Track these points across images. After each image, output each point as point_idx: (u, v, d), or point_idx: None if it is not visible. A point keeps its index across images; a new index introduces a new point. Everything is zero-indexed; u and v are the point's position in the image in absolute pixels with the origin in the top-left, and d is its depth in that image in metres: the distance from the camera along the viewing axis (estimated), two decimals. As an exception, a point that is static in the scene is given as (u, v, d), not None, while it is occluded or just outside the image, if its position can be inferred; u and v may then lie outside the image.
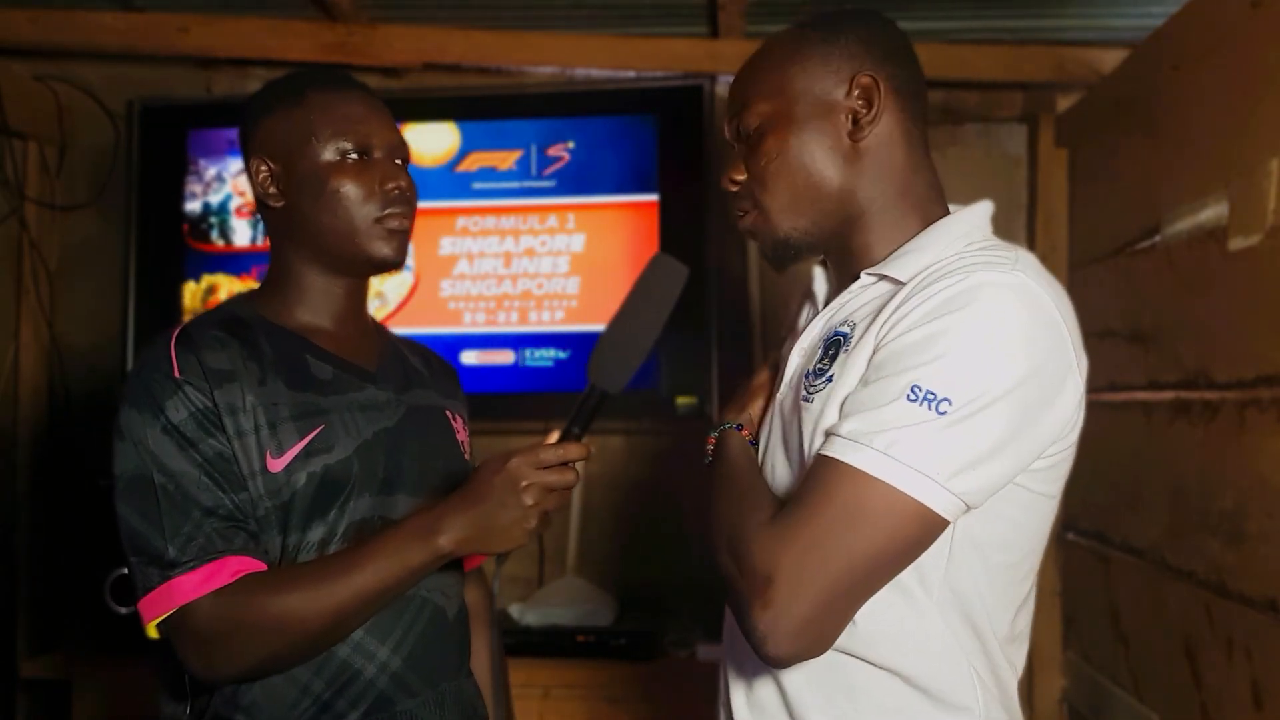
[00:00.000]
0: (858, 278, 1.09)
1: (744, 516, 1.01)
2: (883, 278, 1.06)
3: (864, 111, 1.06)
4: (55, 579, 2.61)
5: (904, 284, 1.02)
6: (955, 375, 0.93)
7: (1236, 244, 1.61)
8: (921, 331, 0.95)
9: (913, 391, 0.92)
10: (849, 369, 1.01)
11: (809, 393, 1.05)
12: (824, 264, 1.22)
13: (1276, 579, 1.48)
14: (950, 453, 0.92)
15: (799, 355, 1.13)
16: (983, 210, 1.10)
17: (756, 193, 1.10)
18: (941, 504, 0.93)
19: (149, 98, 2.64)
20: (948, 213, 1.11)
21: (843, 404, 0.99)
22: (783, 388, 1.14)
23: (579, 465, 1.14)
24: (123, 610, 2.26)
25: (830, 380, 1.03)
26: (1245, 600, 1.56)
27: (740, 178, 1.12)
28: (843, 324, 1.07)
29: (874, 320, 1.02)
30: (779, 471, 1.12)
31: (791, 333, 1.24)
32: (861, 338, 1.02)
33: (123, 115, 2.66)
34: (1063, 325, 0.98)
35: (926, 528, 0.94)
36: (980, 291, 0.95)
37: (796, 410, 1.07)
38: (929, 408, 0.92)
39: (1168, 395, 1.85)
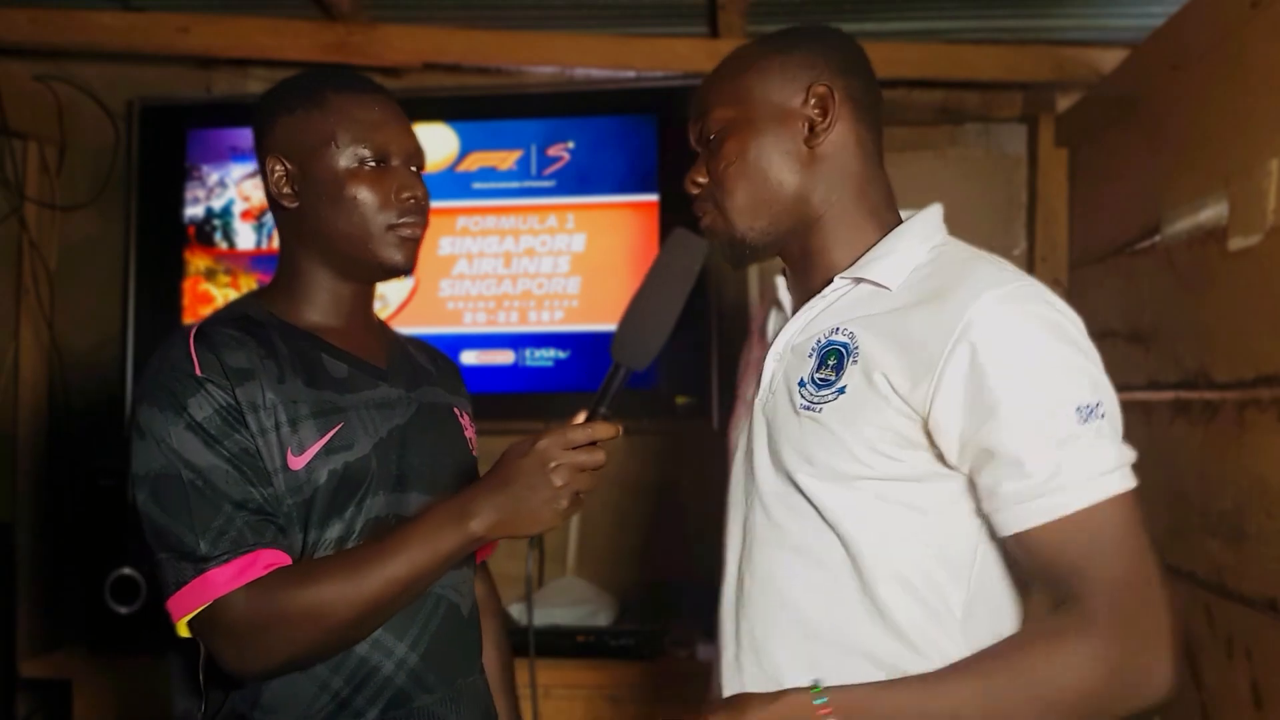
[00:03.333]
0: (829, 282, 1.12)
1: (1027, 674, 0.98)
2: (861, 280, 1.10)
3: (819, 119, 1.11)
4: (55, 579, 2.61)
5: (889, 289, 1.07)
6: (1083, 382, 1.00)
7: (1236, 244, 1.61)
8: (1021, 372, 1.00)
9: (1078, 413, 0.98)
10: (875, 386, 1.03)
11: (814, 403, 1.07)
12: (785, 272, 1.24)
13: (1276, 579, 1.48)
14: (1117, 436, 1.01)
15: (774, 360, 1.15)
16: (935, 212, 1.15)
17: (716, 194, 1.14)
18: (1133, 478, 1.00)
19: (149, 98, 2.64)
20: (900, 219, 1.16)
21: (992, 466, 1.01)
22: (761, 392, 1.15)
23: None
24: (123, 610, 2.26)
25: (843, 392, 1.05)
26: (1245, 600, 1.56)
27: (702, 180, 1.16)
28: (835, 332, 1.09)
29: (890, 336, 1.04)
30: (761, 475, 1.13)
31: (759, 339, 1.26)
32: (884, 354, 1.04)
33: (123, 115, 2.66)
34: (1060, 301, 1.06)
35: (1140, 506, 1.00)
36: (1028, 307, 1.02)
37: (798, 418, 1.08)
38: (1090, 419, 0.98)
39: (1168, 395, 1.85)
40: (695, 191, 1.18)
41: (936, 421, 1.01)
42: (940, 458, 1.03)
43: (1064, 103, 2.50)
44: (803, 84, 1.11)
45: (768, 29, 1.17)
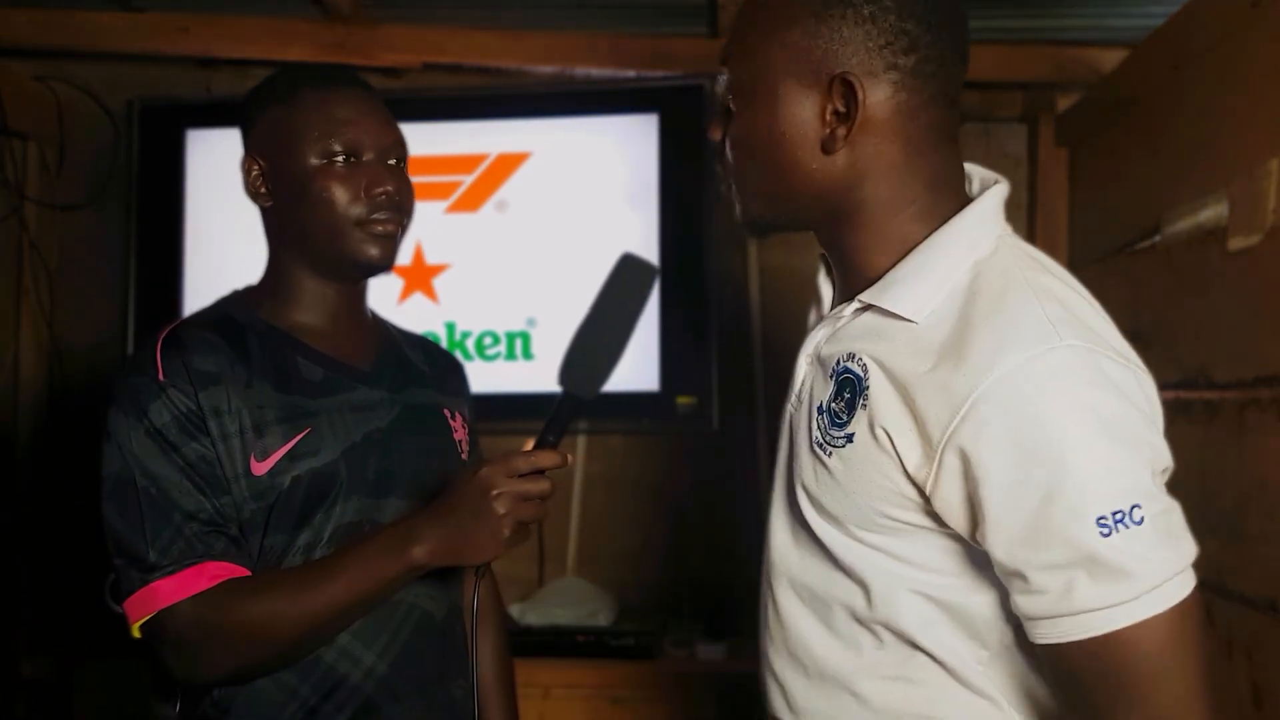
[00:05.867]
0: (862, 282, 0.96)
1: None
2: (874, 309, 0.93)
3: (842, 114, 0.91)
4: (55, 579, 2.60)
5: (914, 322, 0.89)
6: (1111, 484, 0.83)
7: (1236, 244, 1.61)
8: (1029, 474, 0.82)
9: (1099, 526, 0.80)
10: (879, 442, 0.88)
11: (825, 442, 0.93)
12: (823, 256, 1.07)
13: (1276, 579, 1.48)
14: (1164, 540, 0.84)
15: (806, 362, 1.02)
16: (986, 207, 0.94)
17: (729, 163, 0.99)
18: (1189, 583, 0.84)
19: (149, 98, 2.64)
20: (957, 208, 0.94)
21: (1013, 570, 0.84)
22: (792, 396, 1.03)
23: (559, 471, 1.11)
24: (122, 610, 2.26)
25: (850, 440, 0.90)
26: (1245, 600, 1.56)
27: (716, 137, 1.00)
28: (850, 358, 0.93)
29: (901, 388, 0.87)
30: (781, 497, 1.02)
31: (815, 308, 1.13)
32: (890, 409, 0.88)
33: (123, 115, 2.66)
34: (1121, 355, 0.92)
35: (1197, 614, 0.84)
36: (1058, 383, 0.83)
37: (811, 454, 0.95)
38: (1119, 528, 0.81)
39: (1168, 395, 1.83)
40: (714, 141, 1.02)
41: (940, 507, 0.86)
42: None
43: (1064, 103, 2.50)
44: (829, 68, 0.90)
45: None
